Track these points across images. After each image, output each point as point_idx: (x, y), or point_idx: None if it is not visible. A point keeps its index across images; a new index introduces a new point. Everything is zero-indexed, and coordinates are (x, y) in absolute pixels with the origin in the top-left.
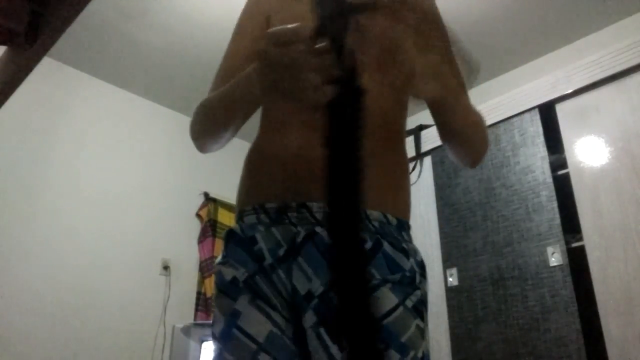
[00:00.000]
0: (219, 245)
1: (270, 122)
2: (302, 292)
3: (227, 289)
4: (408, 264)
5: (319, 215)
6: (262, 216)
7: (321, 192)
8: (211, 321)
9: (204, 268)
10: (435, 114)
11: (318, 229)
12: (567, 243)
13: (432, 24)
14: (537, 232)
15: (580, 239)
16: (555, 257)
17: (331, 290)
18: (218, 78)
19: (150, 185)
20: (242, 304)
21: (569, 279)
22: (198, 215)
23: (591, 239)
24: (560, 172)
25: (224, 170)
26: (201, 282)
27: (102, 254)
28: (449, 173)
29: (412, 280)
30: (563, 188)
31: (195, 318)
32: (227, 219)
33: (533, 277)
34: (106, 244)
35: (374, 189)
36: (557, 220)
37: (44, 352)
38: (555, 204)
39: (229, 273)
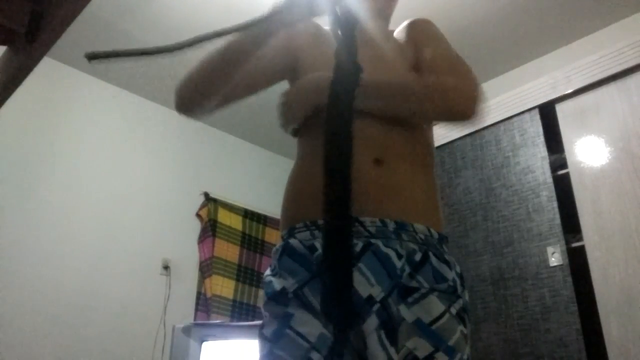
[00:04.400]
0: (219, 245)
1: (309, 145)
2: (364, 295)
3: (277, 297)
4: (451, 274)
5: (372, 229)
6: (316, 232)
7: (372, 206)
8: (210, 322)
9: (204, 268)
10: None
11: (373, 241)
12: (567, 243)
13: (429, 30)
14: (537, 232)
15: (580, 239)
16: (556, 257)
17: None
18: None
19: (150, 185)
20: (294, 308)
21: (569, 279)
22: (198, 215)
23: (591, 239)
24: (560, 172)
25: (224, 170)
26: (201, 282)
27: (103, 254)
28: (449, 173)
29: (454, 289)
30: (563, 188)
31: (195, 318)
32: (227, 219)
33: (533, 277)
34: (106, 244)
35: (418, 204)
36: (557, 220)
37: (44, 352)
38: (555, 204)
39: (278, 283)
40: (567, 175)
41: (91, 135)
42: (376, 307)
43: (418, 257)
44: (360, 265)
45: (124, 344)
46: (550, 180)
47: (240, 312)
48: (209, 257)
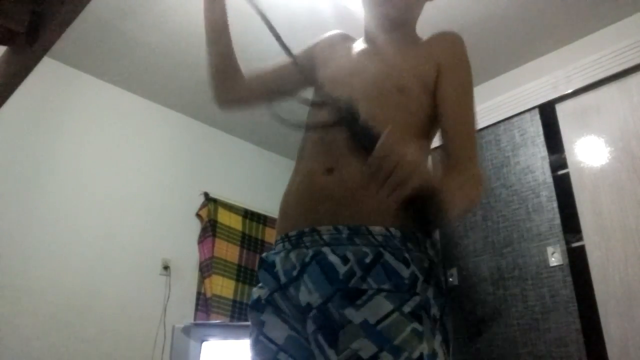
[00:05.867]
0: (219, 245)
1: (296, 161)
2: (303, 304)
3: (255, 305)
4: (407, 272)
5: (326, 237)
6: (286, 244)
7: (326, 215)
8: (210, 322)
9: (204, 268)
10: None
11: (324, 249)
12: (567, 243)
13: (459, 64)
14: (537, 232)
15: (580, 239)
16: (555, 257)
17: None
18: None
19: (150, 185)
20: (267, 315)
21: (569, 278)
22: (198, 215)
23: (591, 239)
24: (560, 172)
25: (224, 170)
26: (201, 282)
27: (102, 254)
28: None
29: (410, 287)
30: (563, 188)
31: (195, 318)
32: (227, 219)
33: (533, 277)
34: (106, 244)
35: (377, 206)
36: (557, 220)
37: (44, 352)
38: (555, 204)
39: (256, 293)
40: (567, 175)
41: (91, 136)
42: (312, 313)
43: (369, 259)
44: (304, 276)
45: (124, 344)
46: (550, 180)
47: (240, 312)
48: (209, 257)
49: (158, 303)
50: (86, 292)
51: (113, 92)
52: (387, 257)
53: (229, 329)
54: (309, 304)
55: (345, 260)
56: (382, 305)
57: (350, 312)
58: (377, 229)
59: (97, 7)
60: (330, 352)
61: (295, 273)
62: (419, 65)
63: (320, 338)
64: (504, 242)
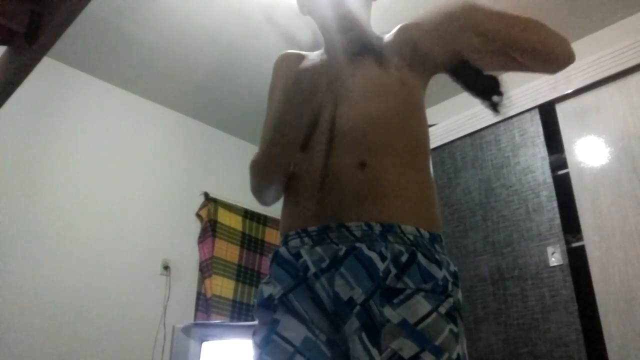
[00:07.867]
0: (219, 245)
1: (305, 150)
2: (344, 298)
3: (265, 304)
4: (441, 273)
5: (357, 233)
6: (306, 239)
7: (357, 210)
8: (210, 322)
9: (204, 268)
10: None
11: (358, 245)
12: (567, 243)
13: (428, 30)
14: (537, 232)
15: (580, 239)
16: (555, 257)
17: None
18: (264, 133)
19: (150, 185)
20: (281, 313)
21: (569, 279)
22: (198, 215)
23: (591, 239)
24: (560, 172)
25: (224, 170)
26: (201, 282)
27: (102, 254)
28: (449, 173)
29: (444, 288)
30: (563, 188)
31: (195, 318)
32: (227, 219)
33: (533, 277)
34: (106, 244)
35: (407, 205)
36: (557, 220)
37: (44, 352)
38: (555, 204)
39: (267, 290)
40: (567, 175)
41: (91, 135)
42: (356, 309)
43: (404, 258)
44: (342, 269)
45: (124, 345)
46: (550, 180)
47: (240, 312)
48: (209, 257)
49: (158, 303)
50: (86, 292)
51: (113, 92)
52: (420, 257)
53: (229, 329)
54: (351, 299)
55: (382, 256)
56: (422, 305)
57: (388, 311)
58: (408, 228)
59: (96, 7)
60: (374, 352)
61: (324, 265)
62: (397, 57)
63: (364, 336)
64: (504, 242)
